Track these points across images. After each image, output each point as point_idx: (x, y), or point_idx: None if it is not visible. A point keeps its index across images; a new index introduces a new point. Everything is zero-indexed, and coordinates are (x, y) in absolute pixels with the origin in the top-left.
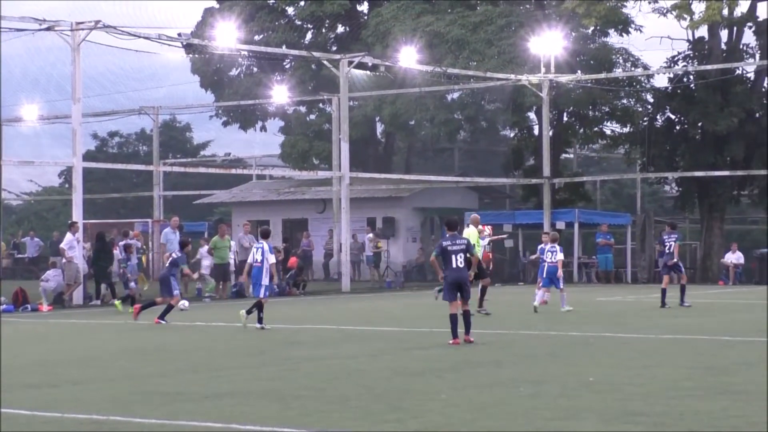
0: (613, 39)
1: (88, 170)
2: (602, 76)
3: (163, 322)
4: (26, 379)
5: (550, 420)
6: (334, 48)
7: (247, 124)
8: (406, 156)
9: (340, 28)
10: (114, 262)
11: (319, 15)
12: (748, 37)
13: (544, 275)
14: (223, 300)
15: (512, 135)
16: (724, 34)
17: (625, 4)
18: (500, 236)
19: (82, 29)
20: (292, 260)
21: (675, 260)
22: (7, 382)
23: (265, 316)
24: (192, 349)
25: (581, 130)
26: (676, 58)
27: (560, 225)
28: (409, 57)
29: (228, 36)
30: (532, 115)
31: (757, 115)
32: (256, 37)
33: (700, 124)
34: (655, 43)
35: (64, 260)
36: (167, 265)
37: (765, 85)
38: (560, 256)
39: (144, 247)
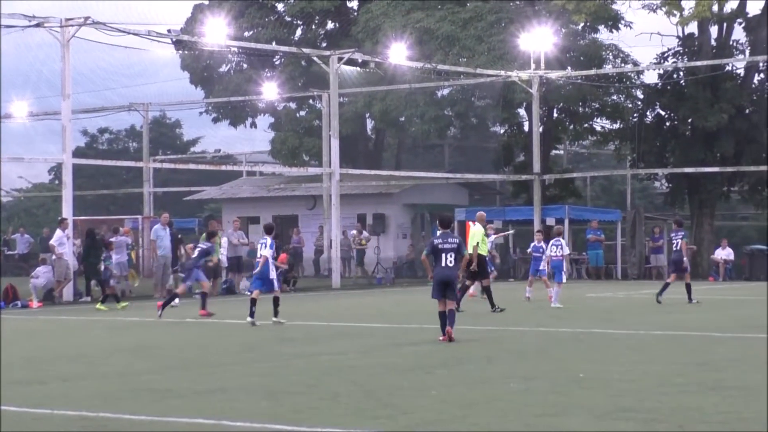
0: (603, 35)
1: (78, 167)
2: (592, 72)
3: (182, 311)
4: (16, 375)
5: (540, 416)
6: (324, 44)
7: (237, 121)
8: (396, 152)
9: (330, 25)
10: (111, 259)
11: (309, 11)
12: (738, 34)
13: (540, 267)
14: (213, 296)
15: (502, 131)
16: (714, 30)
17: (615, 0)
18: (505, 233)
19: (72, 26)
20: (282, 257)
21: (684, 259)
22: None
23: (256, 312)
24: (182, 346)
25: (571, 127)
26: (666, 55)
27: (550, 221)
28: (399, 53)
29: (218, 32)
30: (522, 112)
31: (747, 111)
32: (246, 34)
33: (690, 121)
34: (645, 40)
35: (54, 257)
36: (194, 256)
37: (755, 81)
38: (567, 251)
39: (134, 243)
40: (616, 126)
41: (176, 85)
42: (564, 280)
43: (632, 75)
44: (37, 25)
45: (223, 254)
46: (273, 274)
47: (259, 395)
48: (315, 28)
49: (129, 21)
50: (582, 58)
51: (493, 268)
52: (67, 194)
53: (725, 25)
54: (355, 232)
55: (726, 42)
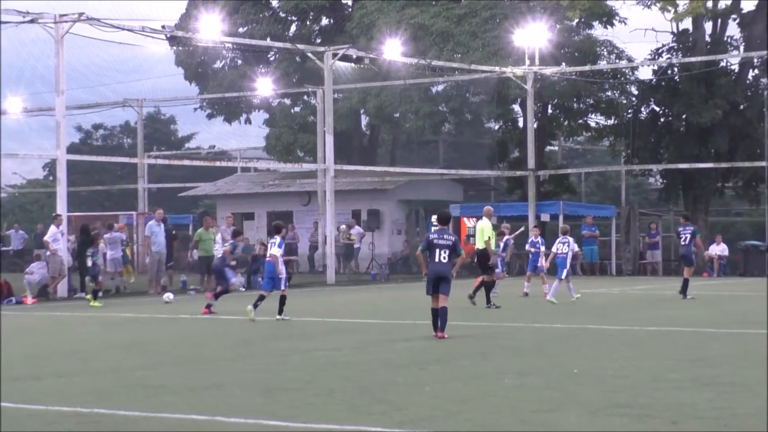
0: (598, 31)
1: (73, 163)
2: (587, 68)
3: (214, 305)
4: (10, 371)
5: (534, 412)
6: (319, 40)
7: (232, 117)
8: (390, 148)
9: (325, 21)
10: (98, 254)
11: (304, 7)
12: (733, 29)
13: (538, 264)
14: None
15: (497, 127)
16: (708, 26)
17: None
18: (519, 231)
19: (66, 22)
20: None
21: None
22: None
23: (261, 307)
24: (176, 342)
25: (566, 123)
26: (660, 50)
27: (545, 217)
28: (393, 49)
29: (212, 28)
30: (516, 108)
31: (741, 107)
32: (241, 30)
33: (684, 116)
34: (640, 35)
35: (48, 253)
36: (221, 256)
37: (749, 77)
38: (575, 247)
39: (128, 239)
40: (610, 122)
41: (171, 81)
42: (564, 277)
43: (627, 71)
44: (32, 21)
45: (217, 250)
46: (283, 274)
47: (253, 391)
48: (309, 24)
49: (123, 17)
50: (576, 54)
51: (504, 270)
52: (62, 190)
53: (719, 21)
54: (343, 227)
55: (720, 38)
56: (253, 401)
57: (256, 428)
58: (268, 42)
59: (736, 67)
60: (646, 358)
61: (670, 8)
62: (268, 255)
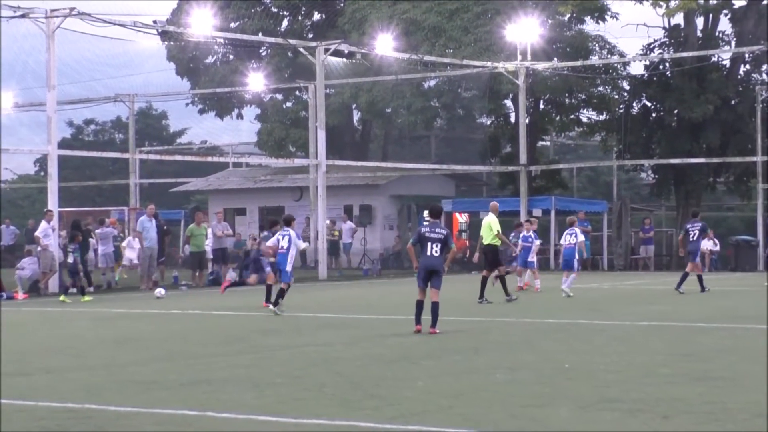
0: (590, 26)
1: (64, 158)
2: (578, 63)
3: (270, 305)
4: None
5: (526, 406)
6: (311, 35)
7: (224, 112)
8: (382, 143)
9: (317, 16)
10: (90, 250)
11: (295, 2)
12: (724, 25)
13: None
14: (199, 288)
15: (489, 122)
16: (699, 22)
17: None
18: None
19: (57, 17)
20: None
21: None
22: None
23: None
24: (168, 338)
25: (558, 118)
26: (652, 46)
27: (537, 212)
28: (385, 44)
29: (204, 23)
30: (508, 103)
31: (733, 102)
32: (232, 25)
33: (676, 112)
34: (631, 31)
35: (39, 248)
36: (257, 248)
37: (741, 72)
38: (581, 238)
39: (121, 234)
40: (602, 117)
41: (162, 76)
42: (577, 268)
43: (618, 66)
44: (23, 16)
45: (208, 246)
46: (290, 267)
47: (244, 386)
48: (301, 19)
49: (114, 12)
50: (568, 49)
51: (515, 263)
52: (53, 185)
53: (711, 16)
54: (328, 222)
55: (712, 33)
56: (244, 396)
57: (247, 423)
58: (260, 37)
59: (727, 63)
60: (638, 352)
61: (661, 3)
62: (279, 247)
